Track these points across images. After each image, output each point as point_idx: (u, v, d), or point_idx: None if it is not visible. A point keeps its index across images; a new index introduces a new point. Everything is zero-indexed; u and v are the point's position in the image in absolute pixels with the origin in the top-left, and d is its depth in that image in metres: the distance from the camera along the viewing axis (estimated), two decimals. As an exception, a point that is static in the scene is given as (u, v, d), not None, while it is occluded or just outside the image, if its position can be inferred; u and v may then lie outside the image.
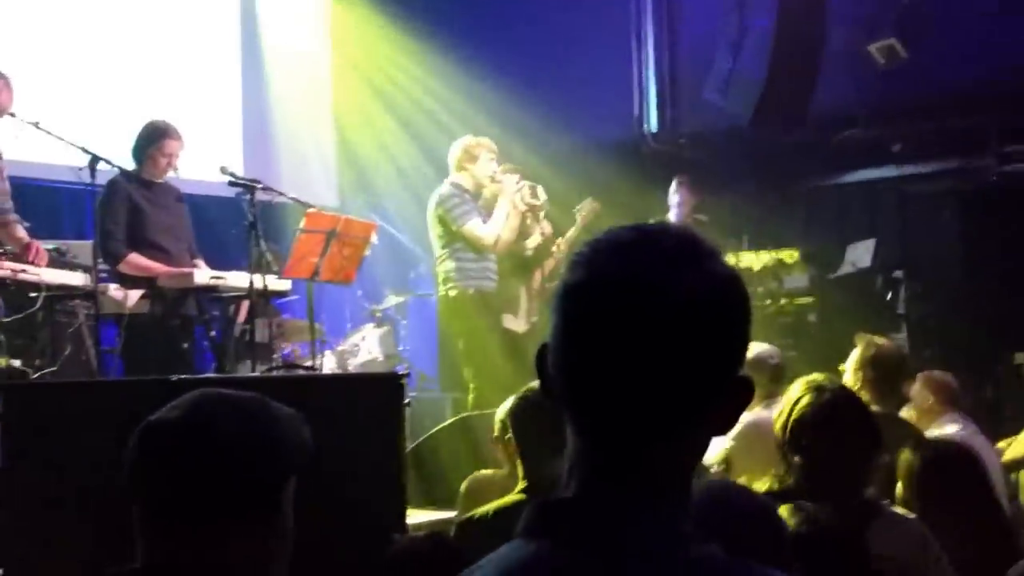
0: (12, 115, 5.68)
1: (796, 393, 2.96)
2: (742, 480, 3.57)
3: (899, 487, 3.22)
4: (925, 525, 2.89)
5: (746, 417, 3.95)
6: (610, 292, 1.14)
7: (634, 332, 1.13)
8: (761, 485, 3.21)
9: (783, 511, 2.34)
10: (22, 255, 5.56)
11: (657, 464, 1.16)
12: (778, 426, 2.94)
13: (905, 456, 3.29)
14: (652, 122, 10.06)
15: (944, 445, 3.50)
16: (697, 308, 1.14)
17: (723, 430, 1.23)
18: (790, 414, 2.91)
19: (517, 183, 7.05)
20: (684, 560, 1.13)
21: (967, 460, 3.33)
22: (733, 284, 1.18)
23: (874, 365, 4.74)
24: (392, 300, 8.76)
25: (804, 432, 2.87)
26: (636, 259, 1.16)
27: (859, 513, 2.75)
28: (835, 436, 2.84)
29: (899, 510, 2.93)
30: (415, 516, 4.71)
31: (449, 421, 6.04)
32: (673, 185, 8.40)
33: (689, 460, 1.21)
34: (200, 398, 1.84)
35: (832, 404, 2.90)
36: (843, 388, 3.25)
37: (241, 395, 1.87)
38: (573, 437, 1.20)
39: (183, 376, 4.64)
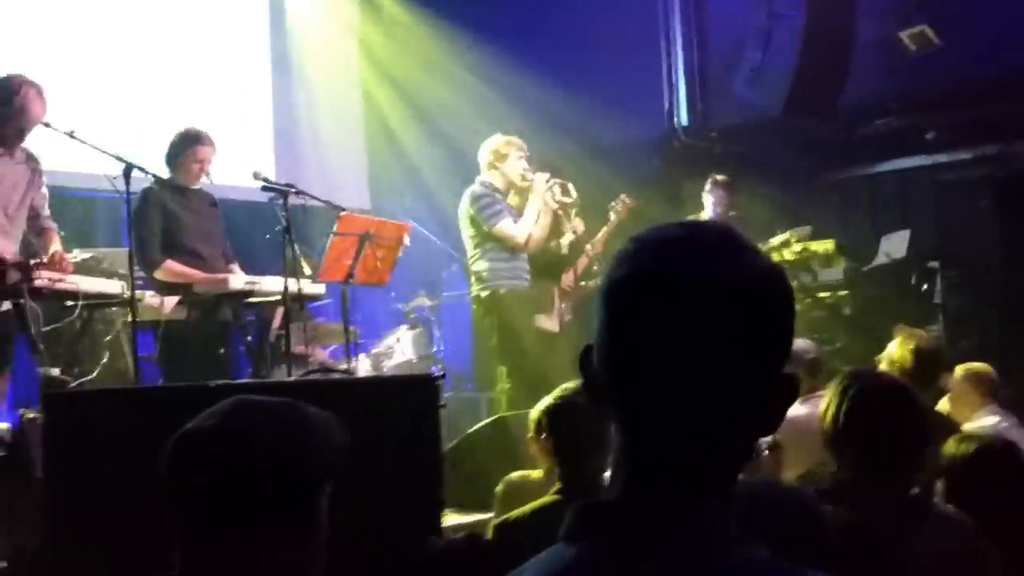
0: (47, 125, 5.73)
1: (843, 384, 2.89)
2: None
3: (941, 482, 3.16)
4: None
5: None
6: (654, 287, 1.14)
7: (678, 327, 1.13)
8: (804, 479, 3.18)
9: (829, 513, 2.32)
10: (48, 264, 5.61)
11: (701, 464, 1.16)
12: (827, 419, 2.87)
13: (948, 450, 3.24)
14: (683, 116, 10.03)
15: (987, 439, 3.44)
16: (741, 302, 1.14)
17: (769, 429, 1.22)
18: (839, 406, 2.84)
19: (547, 181, 7.04)
20: (728, 563, 1.12)
21: (1011, 454, 3.28)
22: (777, 278, 1.18)
23: (912, 357, 4.70)
24: (425, 301, 8.78)
25: (854, 424, 2.80)
26: (680, 254, 1.16)
27: (909, 512, 2.70)
28: (887, 427, 2.77)
29: (950, 509, 2.87)
30: (452, 519, 4.71)
31: (485, 422, 6.04)
32: (708, 184, 8.37)
33: (734, 460, 1.20)
34: (235, 405, 1.86)
35: (883, 394, 2.83)
36: (891, 378, 3.20)
37: (275, 401, 1.89)
38: (617, 436, 1.20)
39: (221, 382, 4.67)
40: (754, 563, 1.14)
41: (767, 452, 3.38)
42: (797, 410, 4.41)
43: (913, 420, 2.83)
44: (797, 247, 8.46)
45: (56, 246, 5.91)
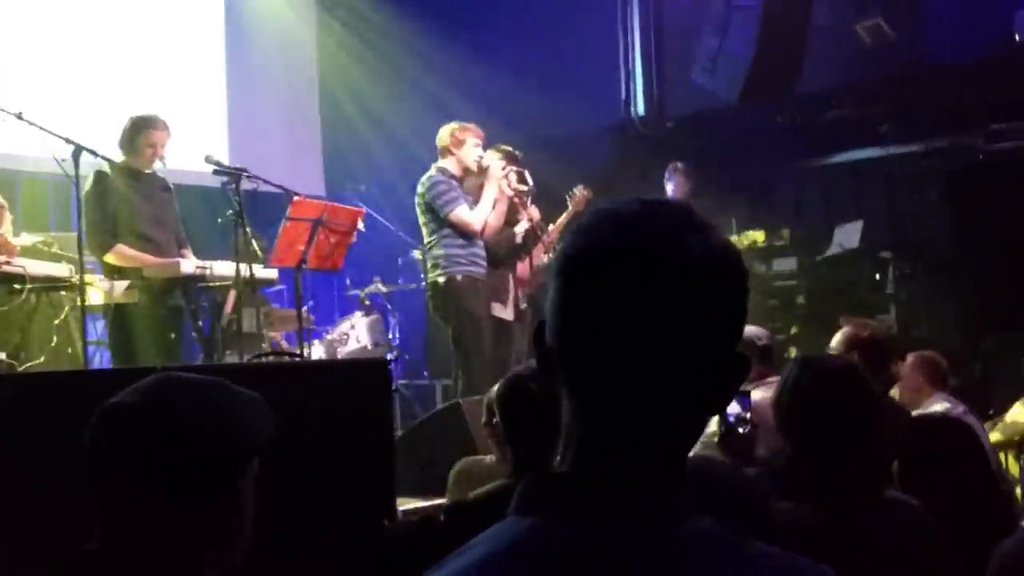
0: (-7, 106, 5.65)
1: (794, 369, 2.90)
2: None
3: (895, 465, 3.16)
4: (923, 506, 2.85)
5: (735, 398, 3.93)
6: (608, 259, 1.13)
7: (632, 299, 1.12)
8: (760, 464, 3.19)
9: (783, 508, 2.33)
10: None
11: (651, 439, 1.15)
12: (779, 404, 2.87)
13: (902, 434, 3.25)
14: (639, 105, 10.05)
15: (940, 420, 3.47)
16: (696, 276, 1.13)
17: (718, 407, 1.23)
18: (791, 390, 2.84)
19: (504, 169, 7.03)
20: (679, 533, 1.12)
21: (964, 434, 3.29)
22: (731, 255, 1.18)
23: (860, 345, 4.73)
24: (380, 287, 8.74)
25: (803, 408, 2.81)
26: (636, 228, 1.15)
27: (860, 498, 2.71)
28: (837, 410, 2.78)
29: (900, 495, 2.88)
30: (407, 503, 4.71)
31: (439, 407, 6.04)
32: (667, 172, 8.39)
33: (684, 436, 1.19)
34: (159, 380, 1.85)
35: (832, 377, 2.84)
36: (842, 361, 3.20)
37: (201, 378, 1.88)
38: (568, 412, 1.19)
39: (168, 365, 4.62)
40: (704, 533, 1.14)
41: (742, 430, 3.38)
42: (754, 395, 4.43)
43: (864, 402, 2.84)
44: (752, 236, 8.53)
45: (7, 225, 5.83)
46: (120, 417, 1.80)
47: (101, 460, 1.80)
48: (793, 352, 7.81)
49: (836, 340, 4.85)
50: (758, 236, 8.60)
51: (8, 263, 5.48)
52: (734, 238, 8.39)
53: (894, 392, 5.14)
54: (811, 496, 2.67)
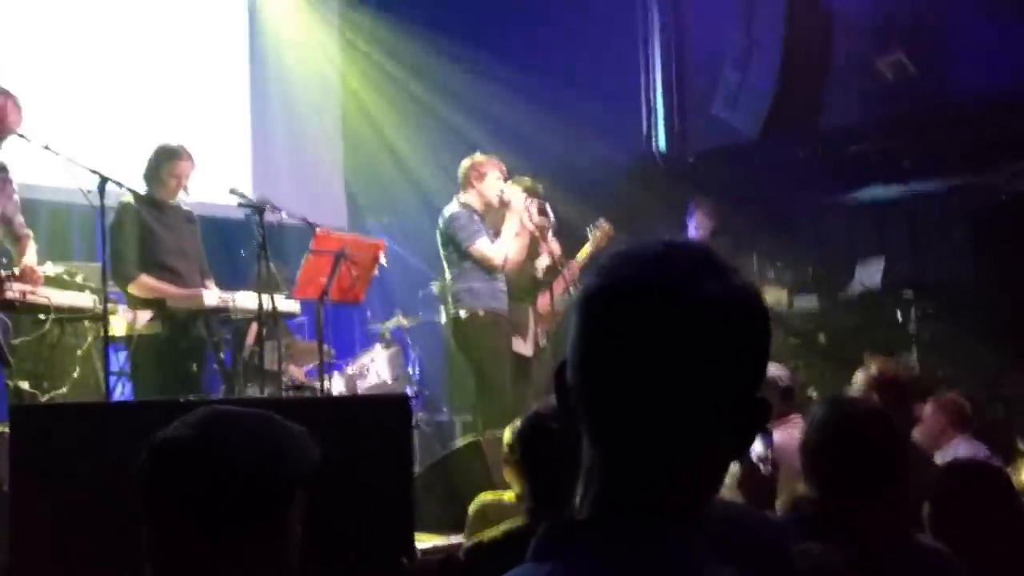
0: (22, 136, 5.70)
1: (822, 410, 2.87)
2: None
3: (926, 509, 3.11)
4: (952, 551, 2.81)
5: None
6: (629, 300, 1.13)
7: (653, 341, 1.12)
8: (787, 505, 3.15)
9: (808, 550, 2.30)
10: (18, 277, 5.57)
11: (672, 484, 1.15)
12: (807, 446, 2.85)
13: (935, 478, 3.21)
14: (661, 140, 10.06)
15: (975, 465, 3.42)
16: (717, 318, 1.13)
17: (739, 451, 1.22)
18: (819, 433, 2.82)
19: (525, 202, 7.03)
20: None
21: (998, 479, 3.24)
22: (753, 297, 1.17)
23: (882, 386, 4.71)
24: (401, 321, 8.74)
25: (830, 451, 2.79)
26: (656, 268, 1.15)
27: (888, 542, 2.68)
28: (866, 454, 2.75)
29: (929, 540, 2.85)
30: (425, 540, 4.69)
31: (459, 444, 6.02)
32: (689, 209, 8.38)
33: (705, 480, 1.19)
34: (210, 415, 1.86)
35: (861, 420, 2.81)
36: (871, 405, 3.18)
37: (249, 412, 1.90)
38: (588, 453, 1.19)
39: (192, 397, 4.63)
40: None
41: (763, 468, 3.36)
42: (775, 435, 4.41)
43: (892, 446, 2.82)
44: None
45: (32, 255, 5.88)
46: (173, 452, 1.80)
47: (154, 495, 1.81)
48: (813, 391, 7.76)
49: (858, 380, 4.83)
50: (781, 296, 8.58)
51: (33, 293, 5.51)
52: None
53: (914, 434, 5.10)
54: (838, 539, 2.65)
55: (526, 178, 7.34)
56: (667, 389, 1.12)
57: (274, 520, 1.81)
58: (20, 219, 6.01)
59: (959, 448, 4.90)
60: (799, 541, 2.52)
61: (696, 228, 8.28)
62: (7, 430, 4.24)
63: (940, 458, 4.50)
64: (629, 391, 1.13)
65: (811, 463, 2.82)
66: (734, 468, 3.44)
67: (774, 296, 8.48)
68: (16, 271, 5.60)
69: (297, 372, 7.79)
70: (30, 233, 6.04)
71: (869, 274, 8.62)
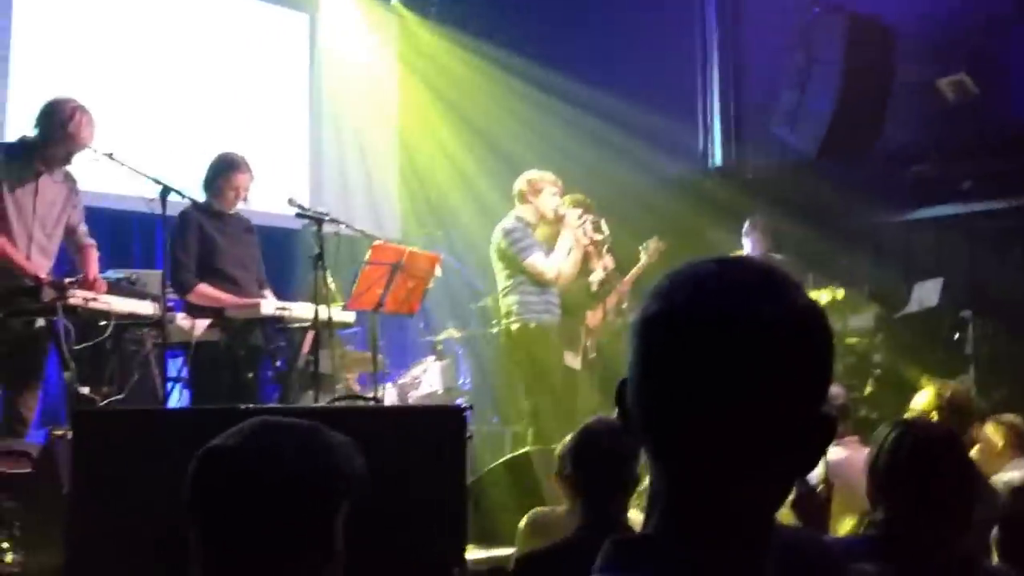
0: (88, 147, 5.81)
1: (892, 432, 2.84)
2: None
3: (994, 532, 3.06)
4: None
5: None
6: (689, 323, 1.13)
7: (713, 363, 1.11)
8: (845, 527, 3.13)
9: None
10: (82, 284, 5.68)
11: (737, 503, 1.15)
12: (876, 467, 2.82)
13: (1006, 501, 3.16)
14: (717, 157, 10.04)
15: None
16: (779, 339, 1.12)
17: (804, 470, 1.20)
18: (891, 455, 2.78)
19: (580, 217, 7.05)
20: None
21: None
22: (815, 316, 1.16)
23: (943, 408, 4.66)
24: (453, 333, 8.78)
25: (901, 473, 2.74)
26: (715, 290, 1.14)
27: (956, 569, 2.65)
28: (938, 477, 2.71)
29: (999, 567, 2.81)
30: (473, 552, 4.70)
31: (509, 456, 6.02)
32: (746, 227, 8.35)
33: (770, 500, 1.19)
34: (259, 425, 1.87)
35: (933, 443, 2.78)
36: (942, 428, 3.13)
37: (297, 422, 1.91)
38: (653, 473, 1.19)
39: (248, 405, 4.69)
40: None
41: (821, 487, 3.33)
42: (831, 454, 4.38)
43: (963, 469, 2.78)
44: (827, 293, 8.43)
45: (95, 264, 5.99)
46: (222, 461, 1.82)
47: (201, 504, 1.83)
48: (867, 411, 7.68)
49: (919, 401, 4.78)
50: (838, 293, 8.49)
51: (95, 299, 5.61)
52: (815, 293, 8.29)
53: (973, 455, 5.04)
54: (906, 561, 2.62)
55: (580, 195, 7.36)
56: (727, 411, 1.11)
57: (322, 531, 1.82)
58: (84, 228, 6.13)
59: (1016, 471, 4.83)
60: (864, 562, 2.50)
61: (753, 246, 8.23)
62: (68, 433, 4.33)
63: (997, 480, 4.43)
64: (690, 415, 1.13)
65: (881, 485, 2.79)
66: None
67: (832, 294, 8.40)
68: (78, 278, 5.71)
69: (351, 381, 7.84)
70: (94, 243, 6.14)
71: (926, 293, 8.52)
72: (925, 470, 2.70)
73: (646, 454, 1.19)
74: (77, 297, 5.50)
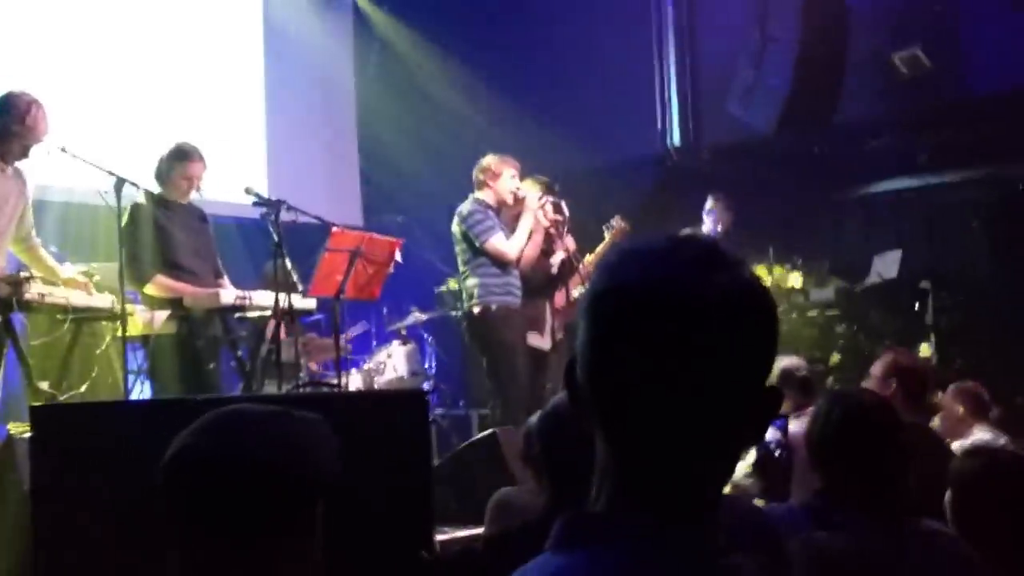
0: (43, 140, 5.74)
1: (825, 405, 2.91)
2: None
3: (948, 496, 3.10)
4: (972, 538, 2.81)
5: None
6: (636, 297, 1.13)
7: (658, 337, 1.12)
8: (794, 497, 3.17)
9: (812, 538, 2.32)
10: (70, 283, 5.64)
11: (685, 476, 1.15)
12: (811, 438, 2.89)
13: (956, 465, 3.20)
14: (675, 136, 10.05)
15: (998, 453, 3.41)
16: (724, 313, 1.12)
17: (751, 442, 1.22)
18: (822, 426, 2.87)
19: (540, 199, 7.06)
20: (717, 568, 1.13)
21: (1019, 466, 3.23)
22: (759, 291, 1.17)
23: (901, 375, 4.70)
24: (417, 317, 8.76)
25: (833, 443, 2.82)
26: (663, 265, 1.15)
27: (893, 530, 2.70)
28: (867, 446, 2.79)
29: (937, 526, 2.86)
30: (443, 533, 4.70)
31: (476, 438, 6.03)
32: (708, 203, 8.37)
33: (719, 472, 1.20)
34: (226, 419, 1.84)
35: (861, 413, 2.85)
36: (872, 395, 3.20)
37: (265, 410, 1.87)
38: (601, 449, 1.19)
39: (209, 396, 4.65)
40: (739, 569, 1.14)
41: (778, 454, 3.38)
42: (793, 426, 4.41)
43: (894, 435, 2.84)
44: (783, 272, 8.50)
45: (53, 263, 5.93)
46: (191, 463, 1.79)
47: (176, 502, 1.80)
48: (832, 382, 7.76)
49: (875, 369, 4.83)
50: (795, 280, 8.57)
51: (51, 294, 5.54)
52: (771, 277, 8.34)
53: (934, 423, 5.09)
54: (842, 528, 2.67)
55: (541, 176, 7.36)
56: (674, 385, 1.12)
57: (300, 519, 1.80)
58: (31, 221, 6.04)
59: (978, 436, 4.89)
60: (807, 531, 2.54)
61: (714, 222, 8.26)
62: (27, 431, 4.28)
63: (959, 447, 4.48)
64: (637, 388, 1.13)
65: (815, 454, 2.87)
66: (750, 455, 3.45)
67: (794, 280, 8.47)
68: (34, 274, 5.64)
69: (314, 369, 7.81)
70: (41, 242, 6.07)
71: (886, 266, 8.60)
72: (855, 440, 2.78)
73: (595, 429, 1.19)
74: (32, 292, 5.43)
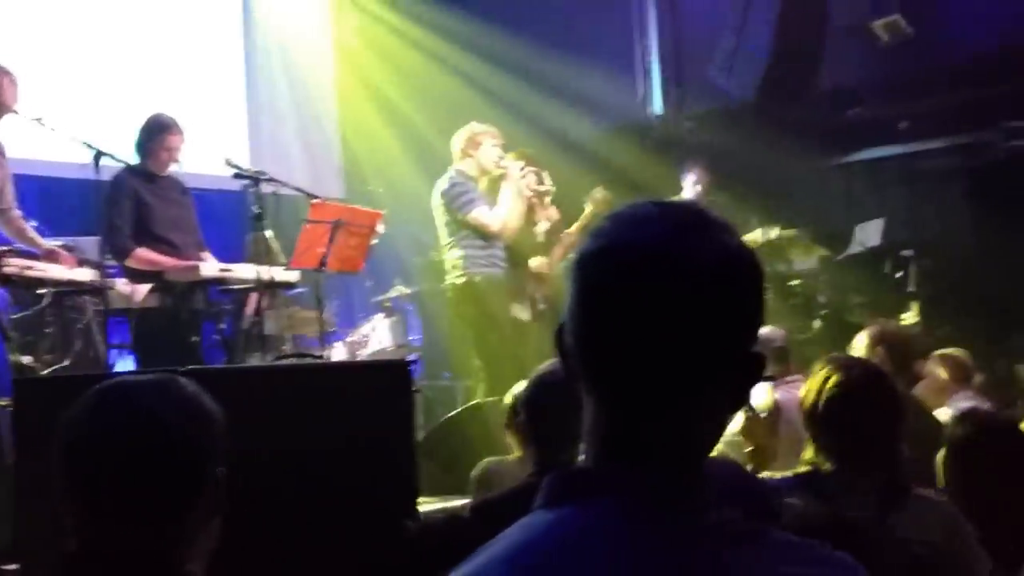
0: (15, 112, 5.68)
1: (822, 372, 2.90)
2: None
3: (940, 460, 3.11)
4: (960, 504, 2.83)
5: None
6: (624, 259, 1.15)
7: (648, 298, 1.14)
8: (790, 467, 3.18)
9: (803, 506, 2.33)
10: (44, 259, 5.59)
11: (671, 436, 1.17)
12: (806, 406, 2.89)
13: (949, 429, 3.22)
14: (657, 104, 10.03)
15: (991, 418, 3.43)
16: (711, 276, 1.15)
17: (734, 406, 1.25)
18: (818, 393, 2.86)
19: (522, 169, 7.03)
20: (706, 523, 1.14)
21: (1015, 433, 3.25)
22: (747, 254, 1.20)
23: (884, 344, 4.72)
24: (400, 290, 8.74)
25: (833, 411, 2.81)
26: (651, 228, 1.17)
27: (886, 498, 2.71)
28: (864, 415, 2.79)
29: (926, 492, 2.88)
30: (429, 504, 4.71)
31: (460, 409, 6.04)
32: (687, 170, 8.36)
33: (705, 433, 1.22)
34: (97, 394, 1.89)
35: (860, 380, 2.85)
36: (869, 364, 3.20)
37: (142, 381, 1.93)
38: (589, 409, 1.21)
39: (191, 367, 4.63)
40: (729, 522, 1.16)
41: (764, 415, 3.39)
42: (778, 394, 4.43)
43: (891, 407, 2.85)
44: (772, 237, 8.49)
45: (34, 234, 5.89)
46: (69, 435, 1.85)
47: (65, 485, 1.85)
48: (814, 352, 7.77)
49: (860, 338, 4.84)
50: (776, 231, 8.56)
51: (31, 268, 5.50)
52: (756, 233, 8.33)
53: (917, 390, 5.11)
54: (832, 496, 2.68)
55: (524, 149, 7.34)
56: (661, 346, 1.14)
57: (194, 480, 1.83)
58: (11, 197, 5.99)
59: (961, 403, 4.91)
60: (793, 497, 2.56)
61: (695, 185, 8.25)
62: (9, 405, 4.25)
63: (942, 414, 4.50)
64: (624, 349, 1.15)
65: (811, 422, 2.87)
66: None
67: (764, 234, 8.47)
68: (18, 248, 5.61)
69: (298, 342, 7.78)
70: (22, 214, 6.03)
71: (868, 234, 8.61)
72: (848, 407, 2.80)
73: (582, 392, 1.21)
74: (12, 266, 5.39)
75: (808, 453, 2.92)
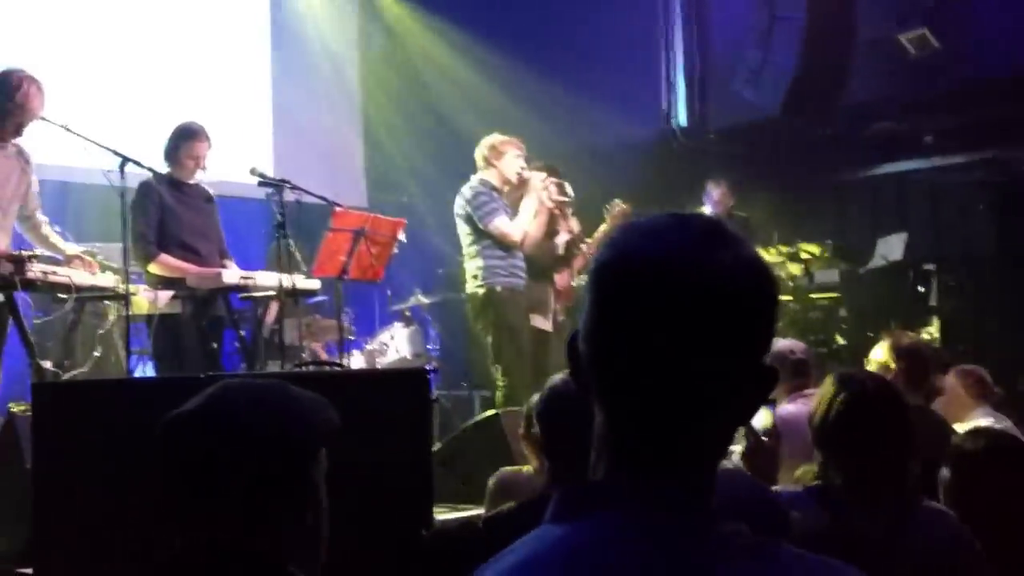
0: (43, 118, 5.72)
1: (830, 388, 2.90)
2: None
3: (946, 474, 3.10)
4: (968, 519, 2.82)
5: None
6: (639, 270, 1.16)
7: (659, 310, 1.14)
8: (796, 479, 3.17)
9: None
10: (67, 264, 5.63)
11: (681, 448, 1.17)
12: (815, 421, 2.89)
13: (957, 444, 3.21)
14: (681, 117, 10.03)
15: (999, 435, 3.42)
16: (725, 288, 1.15)
17: (745, 418, 1.25)
18: (827, 408, 2.86)
19: (544, 180, 7.03)
20: (715, 536, 1.14)
21: (1021, 453, 3.23)
22: (762, 268, 1.20)
23: (902, 357, 4.69)
24: (420, 299, 8.76)
25: (841, 426, 2.81)
26: (667, 239, 1.17)
27: (894, 512, 2.71)
28: (873, 430, 2.79)
29: (936, 505, 2.88)
30: (444, 514, 4.71)
31: (478, 418, 6.03)
32: (708, 185, 8.36)
33: (715, 445, 1.21)
34: (218, 388, 1.90)
35: (868, 397, 2.85)
36: (878, 379, 3.19)
37: (258, 382, 1.95)
38: (600, 422, 1.21)
39: (211, 373, 4.65)
40: (737, 535, 1.15)
41: (766, 439, 3.37)
42: (785, 409, 4.40)
43: (900, 423, 2.85)
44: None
45: (57, 239, 5.93)
46: (181, 425, 1.84)
47: (171, 470, 1.84)
48: (835, 366, 7.74)
49: (878, 351, 4.82)
50: (813, 249, 8.54)
51: (54, 273, 5.53)
52: (782, 251, 8.32)
53: (936, 405, 5.08)
54: (840, 510, 2.68)
55: (547, 163, 7.35)
56: (674, 358, 1.14)
57: (293, 483, 1.83)
58: (38, 203, 6.03)
59: (979, 420, 4.88)
60: (801, 510, 2.56)
61: (715, 205, 8.25)
62: (29, 409, 4.28)
63: (961, 429, 4.47)
64: (637, 360, 1.15)
65: (817, 437, 2.87)
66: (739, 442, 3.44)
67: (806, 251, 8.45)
68: (40, 254, 5.64)
69: (318, 349, 7.81)
70: (47, 220, 6.06)
71: (891, 247, 8.57)
72: (857, 423, 2.78)
73: (594, 402, 1.21)
74: (35, 271, 5.42)
75: (817, 467, 2.92)
